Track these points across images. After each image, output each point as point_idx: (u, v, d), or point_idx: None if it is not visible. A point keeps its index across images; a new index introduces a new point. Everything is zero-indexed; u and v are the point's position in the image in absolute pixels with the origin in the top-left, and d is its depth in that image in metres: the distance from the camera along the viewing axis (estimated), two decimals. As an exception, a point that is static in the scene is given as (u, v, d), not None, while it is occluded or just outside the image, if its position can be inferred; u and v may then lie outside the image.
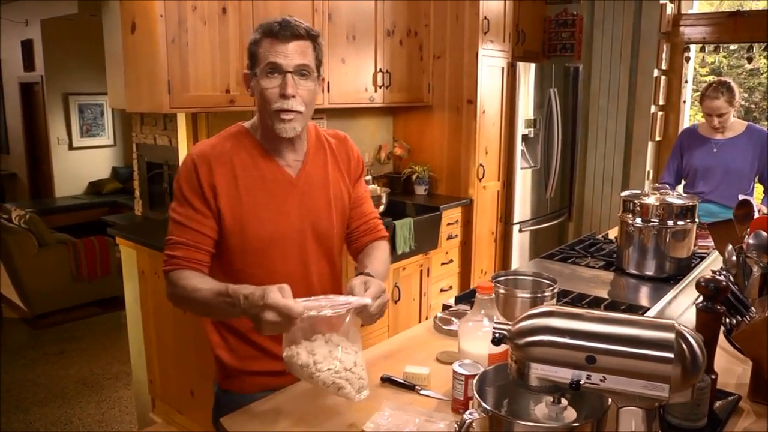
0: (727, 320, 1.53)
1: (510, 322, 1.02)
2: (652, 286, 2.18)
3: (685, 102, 4.57)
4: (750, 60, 4.34)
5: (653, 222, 2.20)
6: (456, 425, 1.25)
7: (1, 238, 4.86)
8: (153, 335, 3.03)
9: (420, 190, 4.16)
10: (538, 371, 0.96)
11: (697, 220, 2.23)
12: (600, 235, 2.93)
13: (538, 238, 4.54)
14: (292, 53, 1.40)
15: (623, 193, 2.34)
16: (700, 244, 2.45)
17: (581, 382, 0.93)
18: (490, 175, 4.14)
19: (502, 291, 1.63)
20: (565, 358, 0.93)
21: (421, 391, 1.43)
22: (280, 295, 1.19)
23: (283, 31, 1.39)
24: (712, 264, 2.26)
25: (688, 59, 4.46)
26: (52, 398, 3.70)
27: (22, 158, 8.30)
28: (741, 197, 2.15)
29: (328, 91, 3.36)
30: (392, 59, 3.79)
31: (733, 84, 3.20)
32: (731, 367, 1.54)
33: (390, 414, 1.30)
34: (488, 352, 1.37)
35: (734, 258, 1.71)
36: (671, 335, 0.90)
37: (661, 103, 4.47)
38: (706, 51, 4.42)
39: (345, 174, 1.61)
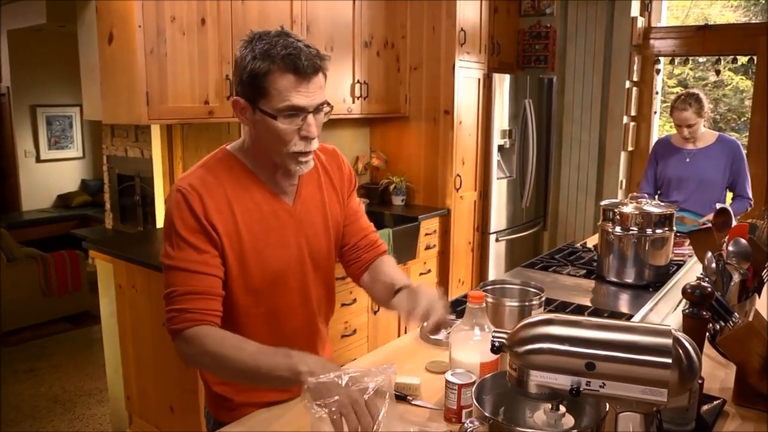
0: (711, 326, 1.56)
1: (506, 331, 1.03)
2: (632, 294, 2.21)
3: (655, 113, 4.67)
4: (718, 72, 4.47)
5: (632, 230, 2.24)
6: (451, 435, 1.26)
7: (-32, 253, 4.73)
8: (130, 350, 2.97)
9: (397, 200, 4.18)
10: (537, 378, 0.96)
11: (674, 228, 2.28)
12: (578, 244, 2.96)
13: (514, 247, 4.58)
14: (315, 90, 1.26)
15: (603, 202, 2.38)
16: (675, 251, 2.50)
17: (581, 389, 0.94)
18: (467, 185, 4.17)
19: (490, 300, 1.63)
20: (564, 365, 0.94)
21: (413, 401, 1.43)
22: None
23: (305, 69, 1.23)
24: (690, 271, 2.31)
25: (658, 71, 4.56)
26: (23, 417, 3.59)
27: (-12, 171, 8.10)
28: (719, 206, 2.20)
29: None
30: (370, 70, 3.80)
31: (702, 95, 3.28)
32: (714, 372, 1.57)
33: (384, 424, 1.29)
34: (480, 360, 1.37)
35: (714, 265, 1.74)
36: (669, 341, 0.92)
37: (632, 113, 4.57)
38: (676, 63, 4.53)
39: (338, 191, 1.53)
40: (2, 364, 4.36)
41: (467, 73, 4.04)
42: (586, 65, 4.53)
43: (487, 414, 1.00)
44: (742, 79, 5.29)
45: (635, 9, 4.38)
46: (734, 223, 1.90)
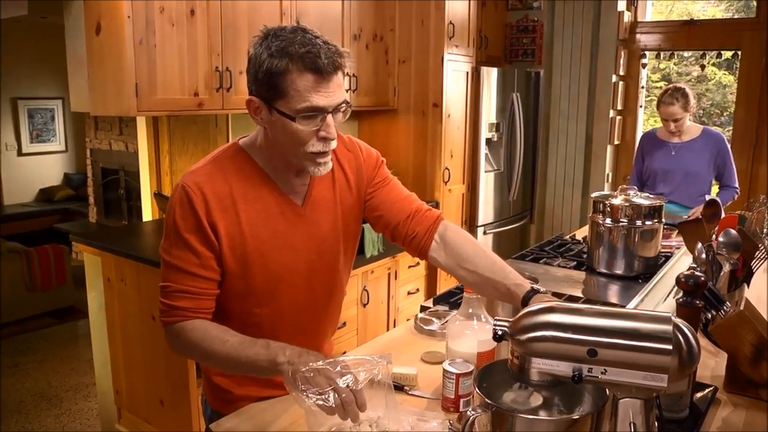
0: (702, 315, 1.59)
1: (508, 319, 1.04)
2: (622, 285, 2.24)
3: (641, 107, 4.71)
4: (703, 67, 4.51)
5: (622, 222, 2.26)
6: (450, 423, 1.27)
7: (-50, 247, 4.67)
8: (119, 344, 2.95)
9: (386, 193, 4.17)
10: (539, 366, 0.98)
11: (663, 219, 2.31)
12: (567, 236, 2.99)
13: (502, 240, 4.60)
14: (334, 90, 1.20)
15: (593, 194, 2.40)
16: (663, 243, 2.53)
17: (583, 375, 0.95)
18: (455, 179, 4.18)
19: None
20: (567, 353, 0.95)
21: (410, 392, 1.44)
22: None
23: (326, 68, 1.17)
24: (678, 262, 2.34)
25: (644, 65, 4.60)
26: (9, 413, 3.55)
27: (-31, 166, 7.99)
28: (708, 198, 2.23)
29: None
30: (358, 63, 3.79)
31: (688, 90, 3.32)
32: (705, 360, 1.59)
33: (382, 414, 1.30)
34: (477, 350, 1.38)
35: (704, 256, 1.77)
36: (669, 327, 0.93)
37: (619, 107, 4.60)
38: (662, 57, 4.57)
39: (353, 187, 1.47)
40: (-14, 360, 4.32)
41: (456, 66, 4.04)
42: (573, 59, 4.56)
43: (489, 401, 1.01)
44: (725, 74, 5.35)
45: (622, 4, 4.41)
46: (723, 214, 1.93)
